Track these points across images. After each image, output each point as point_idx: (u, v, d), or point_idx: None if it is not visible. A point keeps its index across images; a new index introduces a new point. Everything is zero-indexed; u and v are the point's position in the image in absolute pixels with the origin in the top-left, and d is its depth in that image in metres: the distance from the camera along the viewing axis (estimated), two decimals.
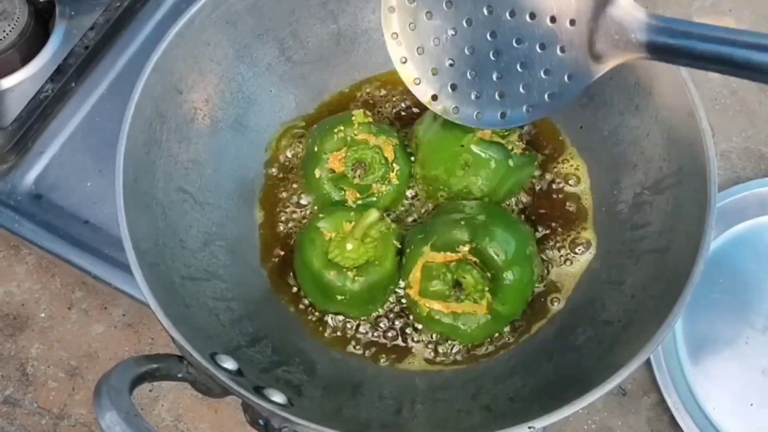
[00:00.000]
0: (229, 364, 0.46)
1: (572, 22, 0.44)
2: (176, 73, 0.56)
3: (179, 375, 0.46)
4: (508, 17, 0.46)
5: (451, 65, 0.50)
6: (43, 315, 0.71)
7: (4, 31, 0.71)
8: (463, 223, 0.52)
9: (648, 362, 0.64)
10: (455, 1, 0.48)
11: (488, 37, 0.48)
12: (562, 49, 0.45)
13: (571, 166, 0.61)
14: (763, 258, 0.67)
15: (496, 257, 0.51)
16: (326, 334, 0.57)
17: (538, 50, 0.46)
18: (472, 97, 0.50)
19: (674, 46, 0.40)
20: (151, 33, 0.74)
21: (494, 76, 0.49)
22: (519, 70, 0.48)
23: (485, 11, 0.47)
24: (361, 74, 0.65)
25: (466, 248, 0.52)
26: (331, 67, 0.65)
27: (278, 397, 0.45)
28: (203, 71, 0.58)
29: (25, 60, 0.73)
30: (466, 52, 0.49)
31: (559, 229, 0.58)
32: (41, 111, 0.69)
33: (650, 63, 0.53)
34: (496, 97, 0.49)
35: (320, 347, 0.56)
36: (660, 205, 0.54)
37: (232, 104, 0.61)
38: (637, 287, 0.52)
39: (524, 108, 0.48)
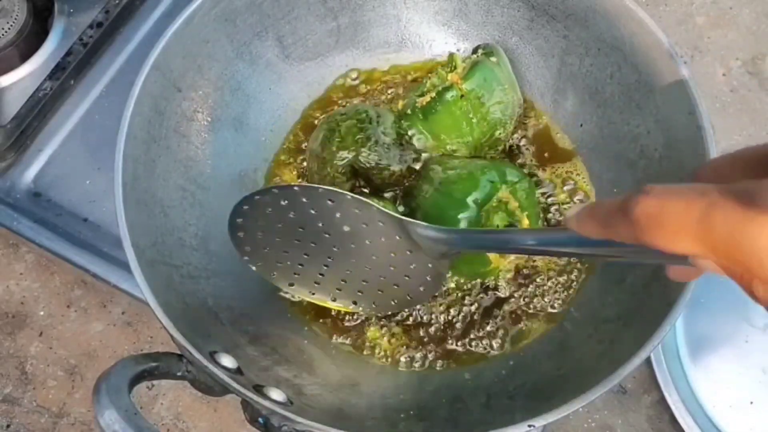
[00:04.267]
0: (229, 362, 0.45)
1: (410, 251, 0.47)
2: (175, 71, 0.55)
3: (179, 373, 0.46)
4: (354, 260, 0.49)
5: (317, 283, 0.52)
6: (42, 313, 0.71)
7: (2, 28, 0.71)
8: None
9: (648, 360, 0.64)
10: (305, 251, 0.50)
11: (347, 270, 0.50)
12: (412, 266, 0.48)
13: (572, 164, 0.61)
14: None
15: None
16: (325, 333, 0.56)
17: (392, 269, 0.49)
18: (351, 303, 0.53)
19: (465, 247, 0.45)
20: (150, 31, 0.73)
21: (359, 291, 0.51)
22: (380, 291, 0.51)
23: (335, 250, 0.49)
24: (361, 71, 0.65)
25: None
26: (330, 64, 0.65)
27: (278, 396, 0.45)
28: (202, 69, 0.58)
29: (24, 57, 0.73)
30: (339, 279, 0.51)
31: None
32: (40, 109, 0.68)
33: (652, 62, 0.54)
34: (372, 304, 0.52)
35: (320, 346, 0.56)
36: None
37: (232, 102, 0.61)
38: (637, 285, 0.52)
39: (391, 302, 0.51)
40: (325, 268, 0.50)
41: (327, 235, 0.48)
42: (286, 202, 0.47)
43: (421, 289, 0.50)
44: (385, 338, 0.56)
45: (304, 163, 0.62)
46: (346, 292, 0.52)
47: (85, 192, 0.67)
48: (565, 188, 0.60)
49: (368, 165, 0.57)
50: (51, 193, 0.67)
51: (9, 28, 0.71)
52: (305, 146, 0.62)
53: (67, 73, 0.70)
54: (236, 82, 0.61)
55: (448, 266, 0.49)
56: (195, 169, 0.58)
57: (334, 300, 0.52)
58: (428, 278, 0.49)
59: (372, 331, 0.56)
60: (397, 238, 0.47)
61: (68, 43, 0.71)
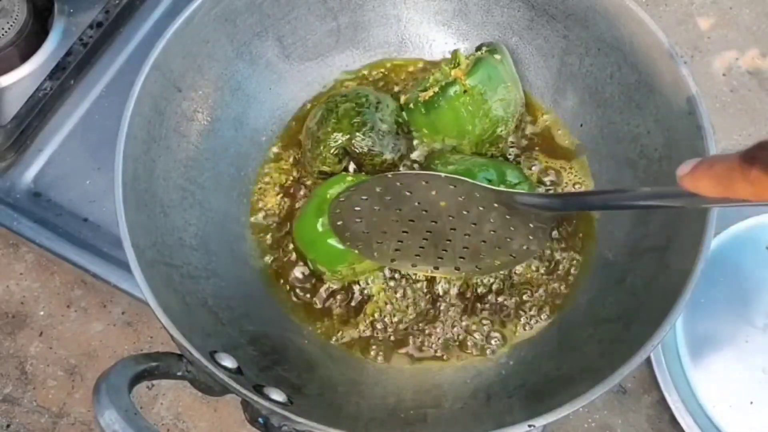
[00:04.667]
0: (229, 362, 0.45)
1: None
2: (175, 71, 0.55)
3: (178, 373, 0.46)
4: (453, 229, 0.51)
5: (417, 256, 0.53)
6: (42, 313, 0.71)
7: (2, 28, 0.71)
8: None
9: (648, 360, 0.64)
10: (401, 218, 0.52)
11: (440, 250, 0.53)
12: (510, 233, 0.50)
13: (572, 164, 0.61)
14: (763, 256, 0.67)
15: None
16: (325, 333, 0.57)
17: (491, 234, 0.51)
18: (454, 269, 0.54)
19: (551, 207, 0.48)
20: (150, 31, 0.73)
21: (460, 256, 0.53)
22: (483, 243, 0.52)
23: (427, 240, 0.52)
24: (360, 70, 0.65)
25: None
26: (330, 64, 0.65)
27: (278, 396, 0.45)
28: (202, 69, 0.58)
29: (24, 58, 0.73)
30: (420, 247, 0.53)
31: (561, 228, 0.58)
32: (40, 109, 0.68)
33: (652, 62, 0.54)
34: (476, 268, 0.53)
35: (320, 346, 0.56)
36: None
37: (232, 102, 0.61)
38: (637, 285, 0.52)
39: (496, 262, 0.53)
40: (425, 241, 0.52)
41: (425, 212, 0.51)
42: (381, 188, 0.50)
43: (525, 247, 0.51)
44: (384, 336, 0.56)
45: (293, 159, 0.62)
46: (448, 260, 0.53)
47: (85, 192, 0.67)
48: (566, 189, 0.60)
49: (360, 150, 0.57)
50: (51, 193, 0.67)
51: (9, 28, 0.71)
52: (301, 137, 0.62)
53: (67, 73, 0.70)
54: (236, 82, 0.61)
55: (552, 222, 0.51)
56: (195, 169, 0.58)
57: (437, 268, 0.53)
58: (530, 237, 0.50)
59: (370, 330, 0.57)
60: (495, 205, 0.49)
61: (68, 43, 0.71)
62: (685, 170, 0.33)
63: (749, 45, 0.80)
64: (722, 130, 0.75)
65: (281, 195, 0.61)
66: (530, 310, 0.56)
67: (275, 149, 0.63)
